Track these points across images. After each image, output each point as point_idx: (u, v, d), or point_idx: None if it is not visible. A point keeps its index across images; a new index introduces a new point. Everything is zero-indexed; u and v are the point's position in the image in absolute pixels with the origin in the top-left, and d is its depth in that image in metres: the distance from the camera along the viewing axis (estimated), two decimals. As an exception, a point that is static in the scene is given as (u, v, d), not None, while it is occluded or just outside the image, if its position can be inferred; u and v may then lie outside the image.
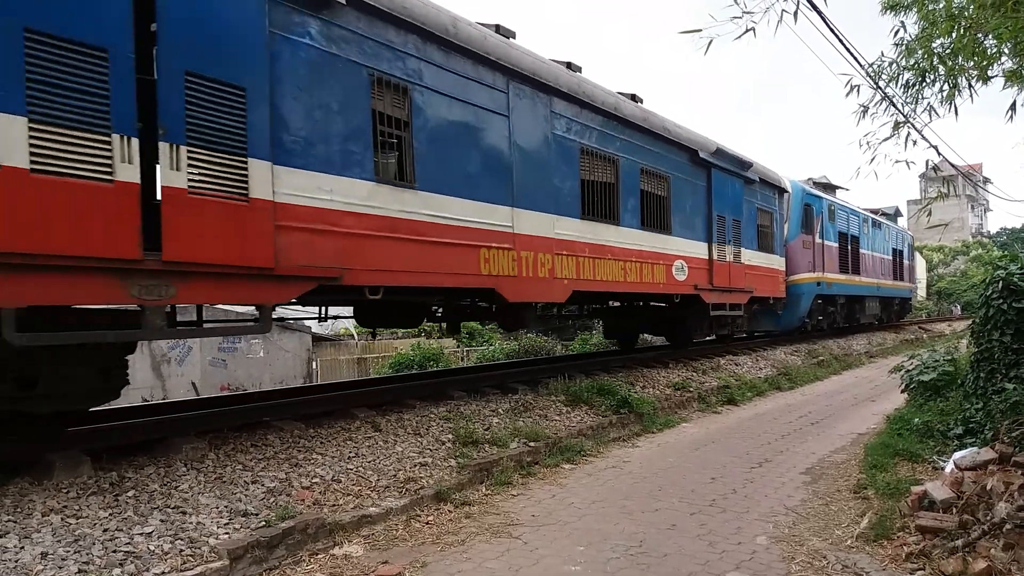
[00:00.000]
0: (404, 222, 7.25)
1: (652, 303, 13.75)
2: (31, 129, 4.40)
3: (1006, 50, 6.78)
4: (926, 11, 7.27)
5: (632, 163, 11.36)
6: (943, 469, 6.18)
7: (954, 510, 4.98)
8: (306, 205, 6.23)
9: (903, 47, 7.49)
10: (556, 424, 8.64)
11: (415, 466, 6.59)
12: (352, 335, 24.49)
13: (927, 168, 7.92)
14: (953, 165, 16.38)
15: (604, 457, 8.04)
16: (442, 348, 20.26)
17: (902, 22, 7.48)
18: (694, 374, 12.88)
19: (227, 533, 4.77)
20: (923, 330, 29.21)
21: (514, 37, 9.32)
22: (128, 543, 4.39)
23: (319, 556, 4.95)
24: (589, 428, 8.81)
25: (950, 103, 7.25)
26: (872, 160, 7.42)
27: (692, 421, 10.40)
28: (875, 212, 23.99)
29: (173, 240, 5.12)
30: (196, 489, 5.24)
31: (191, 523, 4.79)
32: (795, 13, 5.91)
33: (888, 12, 7.89)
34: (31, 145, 4.41)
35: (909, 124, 7.50)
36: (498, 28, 9.18)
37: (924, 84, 7.45)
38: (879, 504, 5.73)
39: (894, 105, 7.70)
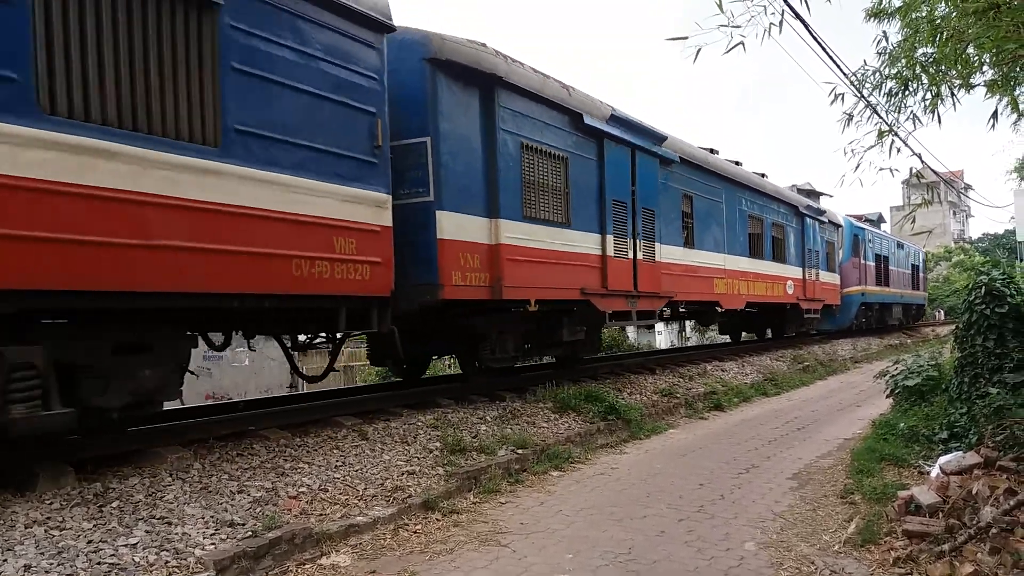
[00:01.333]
0: (699, 267, 14.51)
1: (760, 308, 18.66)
2: (613, 238, 11.07)
3: (988, 59, 6.86)
4: (909, 19, 7.35)
5: (767, 219, 18.06)
6: (929, 474, 6.23)
7: (940, 514, 5.01)
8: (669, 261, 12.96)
9: (886, 56, 7.57)
10: (544, 431, 8.64)
11: (403, 474, 6.56)
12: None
13: (910, 175, 8.00)
14: (935, 172, 16.54)
15: (592, 464, 8.04)
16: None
17: (884, 32, 7.56)
18: (681, 380, 12.91)
19: (213, 543, 4.72)
20: (907, 335, 29.58)
21: (717, 153, 16.29)
22: (113, 554, 4.34)
23: (306, 566, 4.91)
24: (577, 435, 8.81)
25: (933, 111, 7.33)
26: (857, 168, 7.48)
27: (679, 427, 10.41)
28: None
29: (639, 282, 11.69)
30: (182, 499, 5.19)
31: (177, 534, 4.74)
32: (780, 23, 5.96)
33: (872, 20, 7.98)
34: (615, 246, 11.05)
35: (893, 133, 7.57)
36: (712, 150, 15.97)
37: (907, 93, 7.52)
38: (866, 509, 5.76)
39: (877, 114, 7.77)
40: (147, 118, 5.22)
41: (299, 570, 4.85)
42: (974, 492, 5.07)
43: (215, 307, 6.09)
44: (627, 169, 11.55)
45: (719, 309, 15.70)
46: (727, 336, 22.06)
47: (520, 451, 7.73)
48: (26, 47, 4.50)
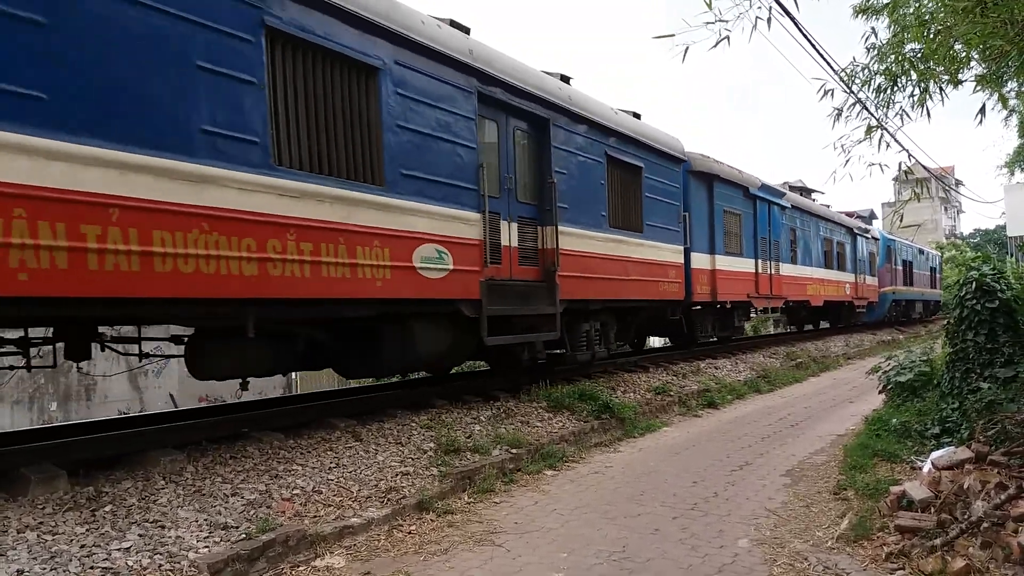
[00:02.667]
0: (799, 277, 20.25)
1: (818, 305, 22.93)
2: (758, 261, 17.00)
3: (975, 55, 6.89)
4: (897, 15, 7.39)
5: (834, 239, 23.84)
6: (921, 469, 6.25)
7: (932, 509, 5.04)
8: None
9: (875, 51, 7.60)
10: (538, 430, 8.64)
11: (397, 475, 6.56)
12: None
13: (900, 171, 8.02)
14: (926, 168, 16.59)
15: (586, 463, 8.05)
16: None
17: (873, 28, 7.59)
18: (674, 378, 12.93)
19: (207, 547, 4.72)
20: (899, 331, 29.94)
21: (801, 182, 24.35)
22: (106, 559, 4.33)
23: (300, 568, 4.91)
24: (571, 434, 8.81)
25: (922, 107, 7.36)
26: (847, 163, 7.51)
27: (673, 425, 10.43)
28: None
29: (772, 289, 17.64)
30: (175, 503, 5.18)
31: (170, 537, 4.73)
32: (768, 20, 5.98)
33: (860, 16, 8.01)
34: (759, 266, 16.95)
35: (882, 128, 7.60)
36: (802, 186, 21.93)
37: (896, 88, 7.55)
38: (859, 505, 5.78)
39: (867, 109, 7.80)
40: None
41: (293, 572, 4.84)
42: (966, 487, 5.10)
43: (621, 308, 12.25)
44: (765, 217, 17.84)
45: (809, 305, 21.89)
46: (793, 326, 27.43)
47: (514, 450, 7.73)
48: (264, 118, 6.16)
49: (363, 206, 6.99)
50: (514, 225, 9.24)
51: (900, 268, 31.50)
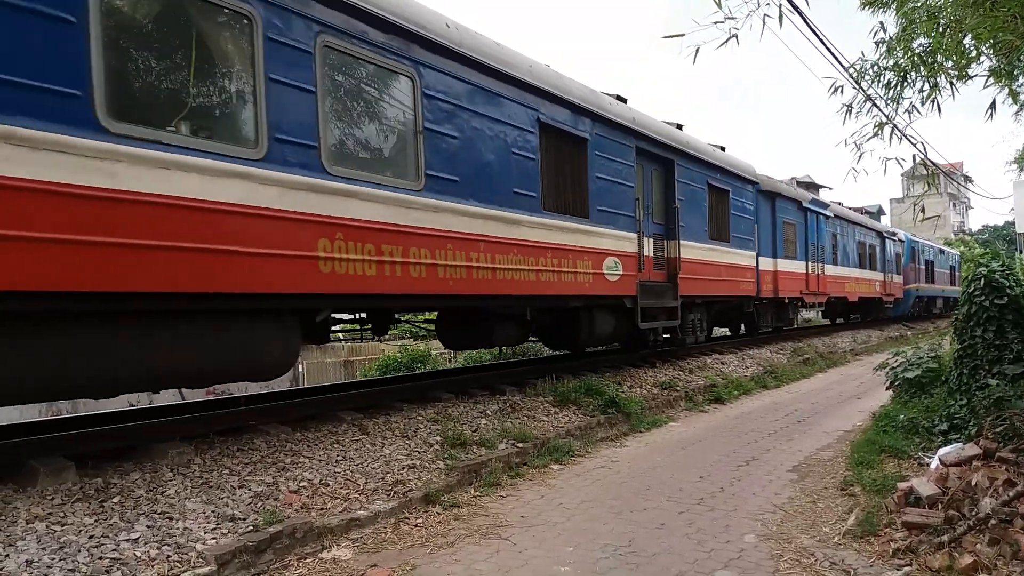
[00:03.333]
0: (840, 276, 23.12)
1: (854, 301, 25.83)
2: (809, 263, 19.93)
3: (985, 49, 6.85)
4: (905, 9, 7.33)
5: (867, 242, 26.56)
6: (928, 465, 6.24)
7: (940, 506, 5.02)
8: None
9: (883, 46, 7.56)
10: (544, 425, 8.65)
11: (403, 468, 6.57)
12: (339, 337, 24.31)
13: (915, 164, 7.99)
14: (935, 164, 16.51)
15: (592, 457, 8.06)
16: (429, 350, 20.19)
17: (881, 23, 7.54)
18: (681, 373, 12.92)
19: (214, 538, 4.74)
20: (907, 327, 29.93)
21: (875, 211, 32.90)
22: (114, 549, 4.36)
23: (307, 560, 4.93)
24: (577, 428, 8.82)
25: (931, 102, 7.32)
26: (859, 159, 7.47)
27: (679, 420, 10.43)
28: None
29: (819, 286, 20.88)
30: (183, 494, 5.20)
31: (178, 528, 4.75)
32: (779, 17, 5.95)
33: (867, 8, 7.95)
34: (809, 267, 19.88)
35: (891, 124, 7.56)
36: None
37: (905, 84, 7.51)
38: (866, 501, 5.77)
39: (876, 105, 7.76)
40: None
41: (300, 564, 4.86)
42: (973, 483, 5.08)
43: (711, 302, 15.17)
44: (814, 225, 20.67)
45: (847, 300, 24.59)
46: (827, 320, 29.36)
47: (520, 444, 7.74)
48: (538, 180, 9.48)
49: (579, 233, 10.20)
50: (650, 240, 12.32)
51: (923, 267, 34.48)
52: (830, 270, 21.93)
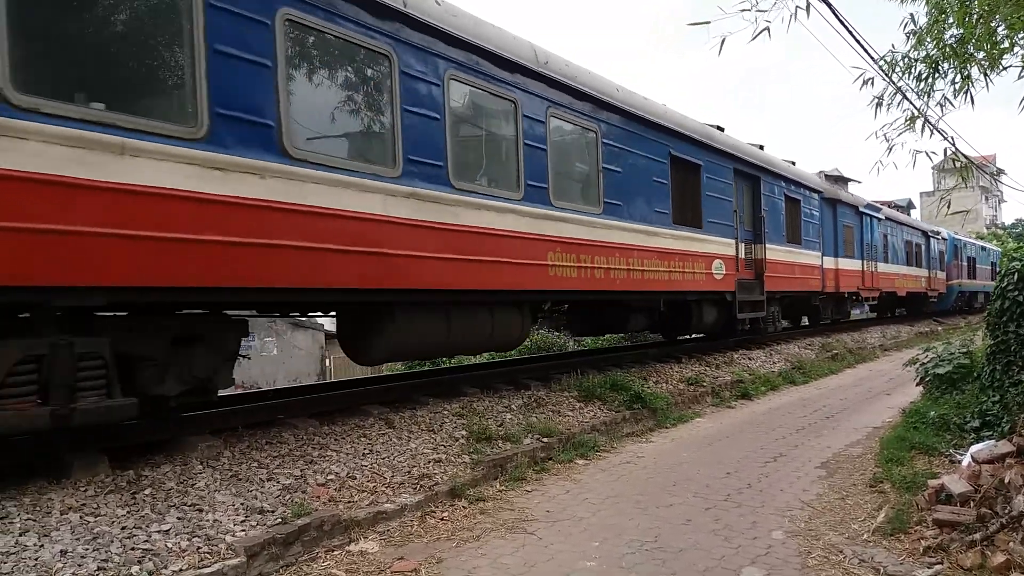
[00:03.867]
0: (890, 273, 25.28)
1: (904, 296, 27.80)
2: (864, 261, 22.35)
3: (1019, 39, 6.72)
4: (936, 0, 7.20)
5: (914, 241, 28.74)
6: (960, 462, 6.15)
7: (972, 503, 4.95)
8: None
9: (914, 38, 7.43)
10: (569, 420, 8.64)
11: (429, 462, 6.61)
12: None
13: (946, 157, 7.85)
14: (966, 156, 16.25)
15: (618, 452, 8.04)
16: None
17: (912, 14, 7.41)
18: (707, 368, 12.84)
19: (243, 530, 4.79)
20: (937, 323, 29.65)
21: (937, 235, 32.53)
22: (146, 541, 4.42)
23: (335, 552, 4.97)
24: (602, 424, 8.80)
25: (964, 94, 7.19)
26: (889, 152, 7.37)
27: (706, 416, 10.37)
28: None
29: (873, 282, 23.12)
30: (212, 487, 5.27)
31: (208, 520, 4.81)
32: (807, 7, 5.88)
33: None
34: (865, 265, 22.24)
35: (923, 117, 7.44)
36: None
37: (937, 76, 7.38)
38: (896, 498, 5.70)
39: (907, 98, 7.64)
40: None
41: (328, 556, 4.91)
42: (1006, 481, 5.00)
43: (791, 295, 17.62)
44: (868, 227, 22.87)
45: (896, 295, 26.54)
46: (875, 313, 31.17)
47: (545, 439, 7.74)
48: (670, 199, 12.06)
49: (696, 240, 12.62)
50: (743, 245, 14.68)
51: (964, 264, 36.65)
52: (882, 267, 24.28)
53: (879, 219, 23.92)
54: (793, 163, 17.99)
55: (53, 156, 4.62)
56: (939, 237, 32.66)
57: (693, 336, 15.75)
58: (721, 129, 14.23)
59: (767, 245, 15.40)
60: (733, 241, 14.07)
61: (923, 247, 30.18)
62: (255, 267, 5.76)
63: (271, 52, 5.93)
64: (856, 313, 30.78)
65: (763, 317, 15.52)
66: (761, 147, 16.63)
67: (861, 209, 22.15)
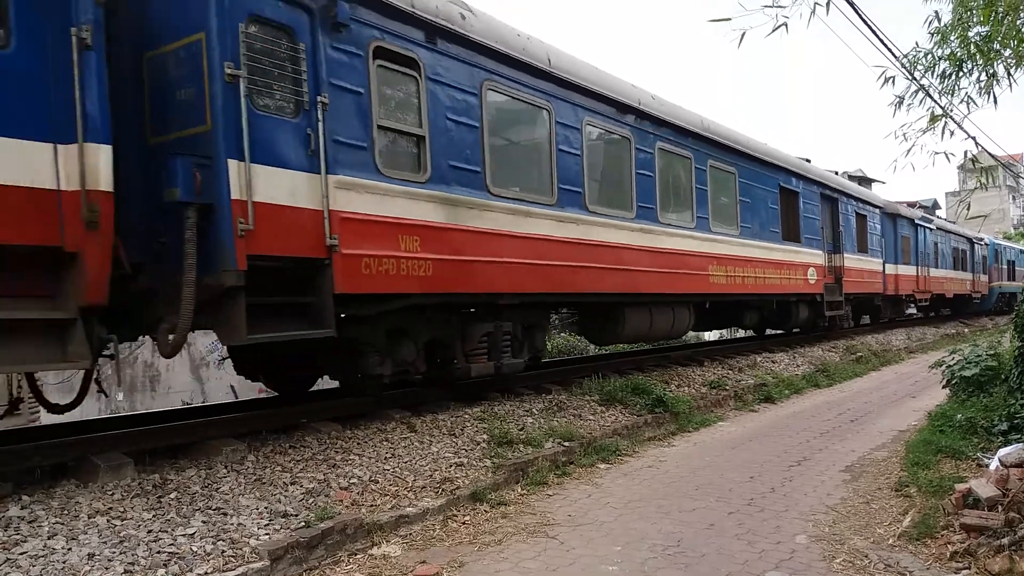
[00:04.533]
0: (939, 277, 27.83)
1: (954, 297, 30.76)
2: (918, 267, 25.04)
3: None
4: None
5: (960, 247, 31.44)
6: (988, 466, 6.06)
7: (1000, 508, 4.88)
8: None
9: (938, 35, 7.35)
10: (590, 424, 8.63)
11: (451, 466, 6.62)
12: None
13: (965, 159, 7.76)
14: (993, 156, 16.05)
15: (640, 457, 8.01)
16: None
17: (936, 11, 7.34)
18: (730, 372, 12.77)
19: (267, 534, 4.83)
20: (963, 324, 29.43)
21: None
22: (172, 544, 4.47)
23: (358, 556, 5.00)
24: (624, 427, 8.78)
25: (988, 93, 7.11)
26: (909, 152, 7.30)
27: (729, 420, 10.31)
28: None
29: (926, 287, 26.09)
30: (236, 491, 5.32)
31: (232, 524, 4.86)
32: (827, 4, 5.84)
33: None
34: (918, 271, 25.04)
35: (947, 116, 7.36)
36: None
37: (961, 74, 7.30)
38: (922, 502, 5.63)
39: (930, 96, 7.57)
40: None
41: (351, 560, 4.93)
42: (1035, 485, 4.93)
43: (860, 297, 20.72)
44: (922, 236, 25.61)
45: (944, 297, 29.04)
46: (922, 313, 32.54)
47: (567, 443, 7.73)
48: (779, 218, 15.72)
49: (796, 252, 15.89)
50: (827, 255, 17.69)
51: (1005, 267, 39.49)
52: (933, 272, 27.14)
53: (931, 229, 26.99)
54: (808, 160, 20.21)
55: (504, 219, 8.28)
56: (982, 243, 35.58)
57: (781, 332, 18.50)
58: (808, 161, 18.86)
59: (845, 255, 18.66)
60: (821, 252, 17.30)
61: (968, 252, 33.15)
62: (579, 281, 9.43)
63: (580, 147, 9.66)
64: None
65: (841, 315, 18.50)
66: (808, 160, 19.76)
67: (916, 221, 25.34)
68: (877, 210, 21.97)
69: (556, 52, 9.23)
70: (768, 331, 18.41)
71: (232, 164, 5.51)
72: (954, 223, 33.79)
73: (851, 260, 19.02)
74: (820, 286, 16.89)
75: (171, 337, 5.49)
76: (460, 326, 8.24)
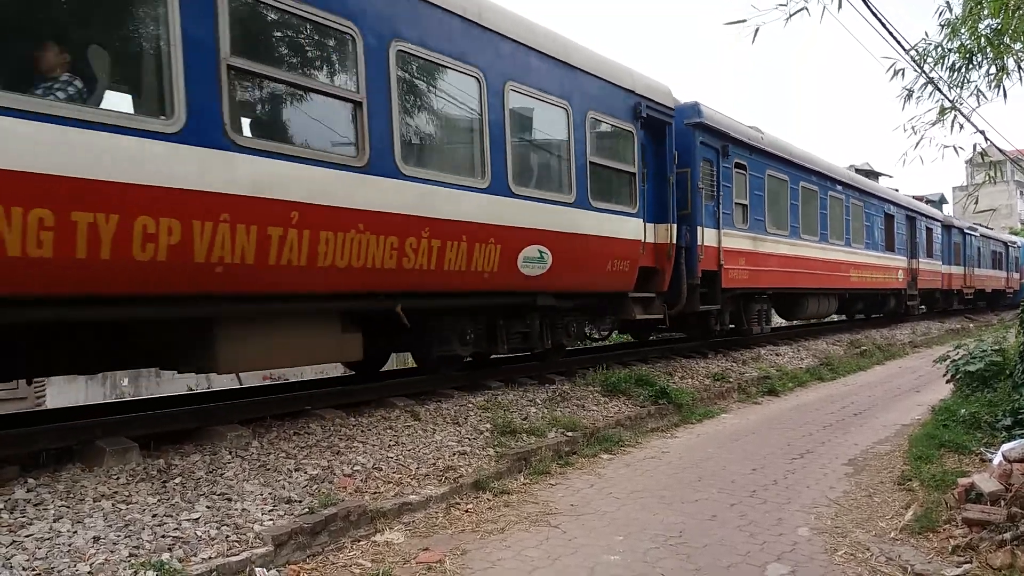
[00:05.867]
0: (981, 275, 33.27)
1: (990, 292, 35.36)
2: (964, 267, 30.77)
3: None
4: None
5: (996, 250, 36.22)
6: (991, 461, 6.06)
7: (1002, 503, 4.88)
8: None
9: (948, 28, 7.31)
10: (594, 414, 8.64)
11: (454, 455, 6.64)
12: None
13: (974, 153, 7.72)
14: (1001, 150, 15.96)
15: (643, 447, 8.03)
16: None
17: (947, 1, 7.29)
18: (734, 364, 12.77)
19: (271, 519, 4.85)
20: (969, 319, 29.48)
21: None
22: (176, 528, 4.50)
23: (361, 542, 5.02)
24: (627, 418, 8.79)
25: (998, 86, 7.07)
26: (917, 145, 7.27)
27: (732, 412, 10.32)
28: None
29: (972, 283, 31.96)
30: (241, 476, 5.34)
31: (236, 509, 4.88)
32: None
33: None
34: (965, 271, 30.82)
35: (955, 109, 7.33)
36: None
37: (971, 67, 7.25)
38: (924, 496, 5.64)
39: (939, 90, 7.53)
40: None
41: (354, 546, 4.95)
42: (1039, 480, 4.93)
43: (926, 291, 26.98)
44: (970, 243, 30.64)
45: (986, 291, 33.67)
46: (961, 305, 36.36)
47: (570, 433, 7.75)
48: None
49: (892, 260, 21.95)
50: (908, 259, 23.59)
51: None
52: (977, 271, 32.28)
53: (976, 235, 32.63)
54: (887, 177, 27.73)
55: (772, 246, 14.96)
56: (1015, 245, 40.76)
57: (878, 316, 23.98)
58: (897, 190, 25.01)
59: (920, 259, 24.57)
60: (905, 258, 23.29)
61: (1003, 254, 38.34)
62: (796, 279, 15.45)
63: (826, 206, 17.24)
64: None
65: (915, 304, 24.57)
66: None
67: (964, 230, 31.05)
68: (938, 223, 27.83)
69: (816, 158, 17.30)
70: (864, 316, 23.96)
71: (698, 229, 11.81)
72: (991, 229, 38.03)
73: (923, 264, 25.00)
74: (904, 283, 23.17)
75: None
76: (750, 304, 14.54)
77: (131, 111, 5.37)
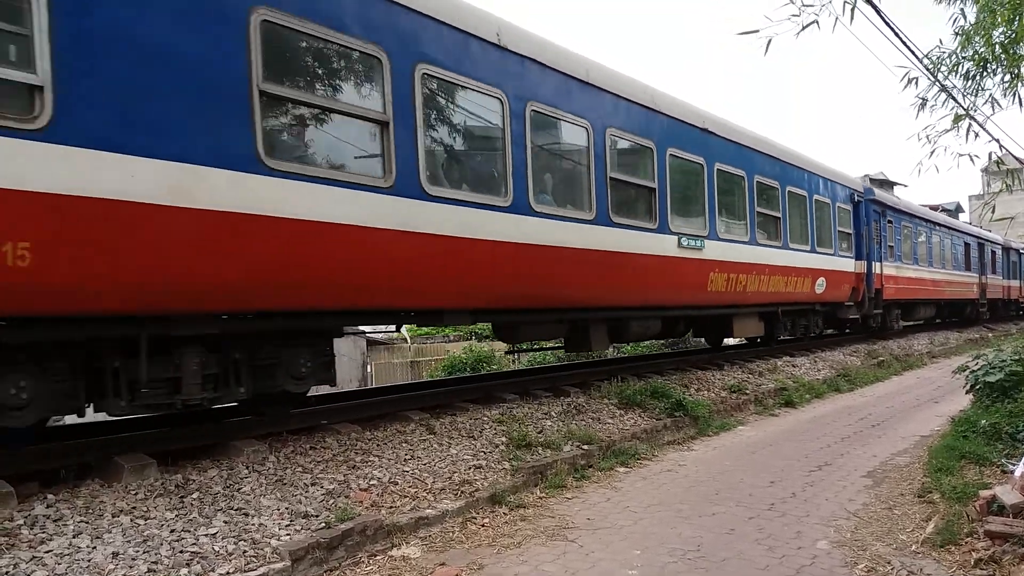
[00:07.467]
0: (997, 284, 34.70)
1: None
2: (978, 275, 30.29)
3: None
4: (984, 1, 7.05)
5: (1012, 258, 35.76)
6: (1013, 472, 5.99)
7: (1025, 515, 4.82)
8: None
9: (962, 36, 7.28)
10: (609, 427, 8.61)
11: (469, 468, 6.63)
12: (405, 338, 24.68)
13: (990, 161, 7.67)
14: (1017, 158, 15.87)
15: (659, 460, 7.99)
16: (493, 351, 20.26)
17: (962, 9, 7.27)
18: (750, 376, 12.69)
19: (288, 534, 4.87)
20: (988, 329, 29.24)
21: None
22: (194, 544, 4.52)
23: (377, 557, 5.02)
24: (643, 431, 8.75)
25: (1013, 94, 7.03)
26: (932, 154, 7.24)
27: (749, 424, 10.25)
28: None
29: (988, 293, 32.05)
30: (258, 491, 5.36)
31: (253, 524, 4.90)
32: (852, 10, 5.82)
33: (943, 2, 7.67)
34: (978, 279, 30.56)
35: (969, 117, 7.29)
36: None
37: (985, 75, 7.22)
38: (945, 508, 5.57)
39: (953, 98, 7.50)
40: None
41: (370, 561, 4.95)
42: (1062, 492, 4.86)
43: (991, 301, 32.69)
44: (987, 252, 30.95)
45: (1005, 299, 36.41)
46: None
47: (586, 447, 7.72)
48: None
49: (960, 275, 26.91)
50: (979, 276, 29.22)
51: None
52: (992, 278, 33.78)
53: (1016, 251, 37.13)
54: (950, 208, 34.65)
55: (913, 273, 21.93)
56: None
57: (955, 319, 29.33)
58: (957, 216, 32.62)
59: (986, 275, 29.81)
60: (976, 275, 28.45)
61: (1020, 261, 41.16)
62: (911, 294, 21.86)
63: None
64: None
65: (984, 311, 29.79)
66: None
67: (1020, 251, 36.74)
68: (1000, 246, 33.27)
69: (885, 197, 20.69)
70: (951, 319, 29.19)
71: (873, 263, 18.32)
72: (945, 211, 40.74)
73: (989, 279, 30.61)
74: (977, 294, 28.75)
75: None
76: (891, 309, 20.58)
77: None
